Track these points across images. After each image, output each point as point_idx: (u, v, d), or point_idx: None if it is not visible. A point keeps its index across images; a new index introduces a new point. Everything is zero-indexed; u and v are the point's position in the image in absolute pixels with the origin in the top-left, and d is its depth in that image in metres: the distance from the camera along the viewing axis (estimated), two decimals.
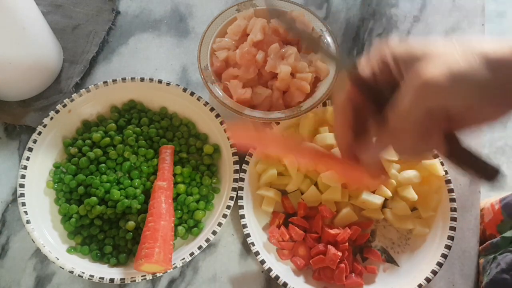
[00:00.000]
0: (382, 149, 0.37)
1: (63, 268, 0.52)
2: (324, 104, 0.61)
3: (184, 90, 0.61)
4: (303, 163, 0.38)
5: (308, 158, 0.37)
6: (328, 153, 0.38)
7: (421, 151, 0.36)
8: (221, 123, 0.60)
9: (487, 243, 0.61)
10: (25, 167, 0.56)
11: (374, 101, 0.38)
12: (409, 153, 0.37)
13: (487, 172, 0.36)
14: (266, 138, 0.37)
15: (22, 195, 0.55)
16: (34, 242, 0.53)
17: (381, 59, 0.36)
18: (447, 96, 0.32)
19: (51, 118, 0.59)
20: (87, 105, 0.62)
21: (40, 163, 0.58)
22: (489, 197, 0.71)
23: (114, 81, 0.61)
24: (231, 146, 0.59)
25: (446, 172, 0.58)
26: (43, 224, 0.56)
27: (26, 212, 0.54)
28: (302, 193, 0.59)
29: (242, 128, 0.37)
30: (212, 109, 0.61)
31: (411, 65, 0.34)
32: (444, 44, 0.34)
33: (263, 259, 0.54)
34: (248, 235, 0.56)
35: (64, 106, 0.60)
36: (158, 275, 0.53)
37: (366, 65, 0.37)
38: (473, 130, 0.35)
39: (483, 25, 0.72)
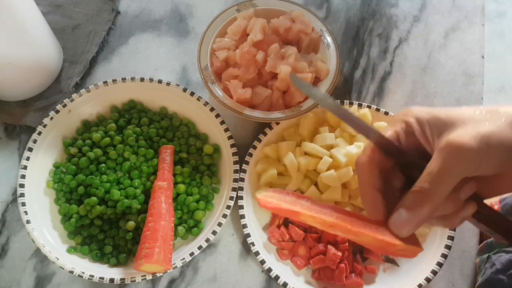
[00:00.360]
0: (416, 221, 0.34)
1: (63, 268, 0.52)
2: None
3: (184, 90, 0.61)
4: (334, 229, 0.36)
5: (341, 225, 0.35)
6: (360, 215, 0.36)
7: (450, 216, 0.36)
8: (221, 123, 0.60)
9: (483, 243, 0.61)
10: (25, 167, 0.56)
11: (398, 162, 0.38)
12: (438, 218, 0.36)
13: None
14: (297, 207, 0.36)
15: (22, 195, 0.55)
16: (34, 242, 0.53)
17: (405, 124, 0.36)
18: (480, 160, 0.32)
19: (51, 118, 0.59)
20: (87, 105, 0.62)
21: (40, 163, 0.58)
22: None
23: (114, 81, 0.61)
24: (231, 146, 0.59)
25: None
26: (43, 224, 0.56)
27: (26, 212, 0.54)
28: (302, 193, 0.59)
29: (274, 196, 0.36)
30: (212, 109, 0.61)
31: (439, 132, 0.34)
32: (470, 110, 0.34)
33: (263, 259, 0.54)
34: (248, 235, 0.56)
35: (64, 106, 0.60)
36: (158, 275, 0.53)
37: (389, 128, 0.37)
38: (504, 192, 0.36)
39: (483, 25, 0.72)
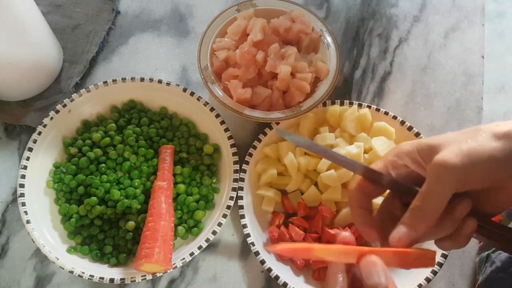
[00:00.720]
0: (413, 236, 0.37)
1: (63, 268, 0.52)
2: (324, 104, 0.61)
3: (184, 90, 0.61)
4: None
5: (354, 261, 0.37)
6: (370, 249, 0.37)
7: (454, 235, 0.38)
8: (221, 123, 0.60)
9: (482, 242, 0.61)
10: (25, 167, 0.56)
11: (394, 193, 0.42)
12: (436, 234, 0.38)
13: None
14: (313, 251, 0.37)
15: (22, 195, 0.55)
16: (34, 242, 0.53)
17: (397, 157, 0.40)
18: (465, 175, 0.35)
19: (51, 118, 0.59)
20: (87, 105, 0.62)
21: (40, 163, 0.58)
22: None
23: (114, 81, 0.61)
24: (231, 146, 0.59)
25: None
26: (43, 224, 0.56)
27: (26, 212, 0.54)
28: (302, 193, 0.59)
29: (289, 245, 0.38)
30: (212, 109, 0.61)
31: (430, 157, 0.37)
32: (454, 133, 0.38)
33: (263, 259, 0.54)
34: (248, 235, 0.56)
35: (64, 106, 0.60)
36: (158, 275, 0.53)
37: (379, 162, 0.41)
38: (505, 207, 0.38)
39: (483, 25, 0.72)
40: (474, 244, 0.59)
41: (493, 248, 0.58)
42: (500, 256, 0.56)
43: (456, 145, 0.36)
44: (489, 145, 0.35)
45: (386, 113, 0.61)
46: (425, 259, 0.37)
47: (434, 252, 0.38)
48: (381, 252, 0.36)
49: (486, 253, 0.58)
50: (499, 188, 0.37)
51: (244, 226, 0.56)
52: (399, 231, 0.36)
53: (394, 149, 0.41)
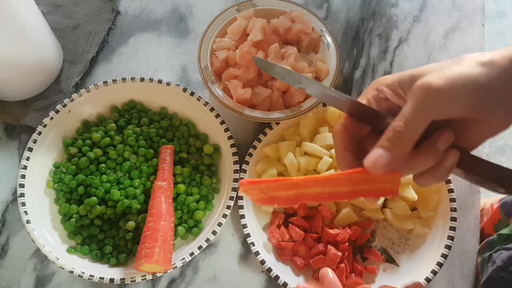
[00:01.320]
0: (389, 158, 0.35)
1: (63, 268, 0.52)
2: (324, 104, 0.61)
3: (184, 90, 0.61)
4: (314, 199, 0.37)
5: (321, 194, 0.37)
6: (335, 175, 0.37)
7: (435, 168, 0.36)
8: (221, 123, 0.60)
9: (484, 241, 0.61)
10: (25, 167, 0.56)
11: (374, 129, 0.40)
12: (417, 168, 0.36)
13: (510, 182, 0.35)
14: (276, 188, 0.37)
15: (22, 195, 0.55)
16: (34, 242, 0.53)
17: (377, 91, 0.39)
18: (448, 99, 0.33)
19: (51, 118, 0.59)
20: (87, 105, 0.62)
21: (40, 163, 0.58)
22: (489, 197, 0.71)
23: (114, 81, 0.61)
24: (231, 146, 0.59)
25: None
26: (43, 224, 0.56)
27: (26, 212, 0.54)
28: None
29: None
30: (212, 109, 0.61)
31: (410, 86, 0.35)
32: (437, 63, 0.36)
33: (263, 259, 0.54)
34: (248, 235, 0.56)
35: (64, 106, 0.60)
36: (158, 275, 0.53)
37: (361, 98, 0.39)
38: (484, 140, 0.36)
39: (483, 25, 0.72)
40: (474, 244, 0.59)
41: (495, 248, 0.58)
42: (501, 256, 0.56)
43: (440, 70, 0.35)
44: (474, 70, 0.34)
45: None
46: (391, 185, 0.36)
47: (399, 176, 0.36)
48: (345, 175, 0.36)
49: (488, 253, 0.58)
50: (478, 121, 0.35)
51: (244, 226, 0.56)
52: (375, 153, 0.35)
53: (374, 83, 0.39)
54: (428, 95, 0.33)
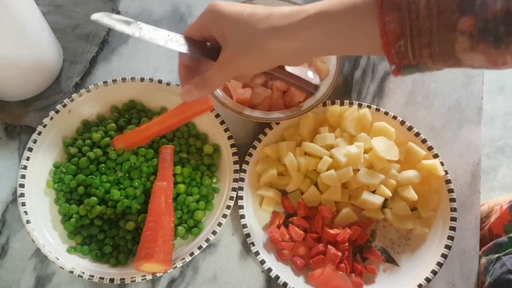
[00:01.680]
0: (197, 94, 0.46)
1: (63, 268, 0.52)
2: (324, 104, 0.61)
3: None
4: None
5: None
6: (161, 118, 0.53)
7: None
8: (221, 123, 0.60)
9: (491, 243, 0.61)
10: (25, 167, 0.56)
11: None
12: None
13: (310, 87, 0.51)
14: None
15: (22, 195, 0.55)
16: (34, 242, 0.53)
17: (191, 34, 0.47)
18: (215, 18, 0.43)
19: (51, 118, 0.59)
20: (87, 105, 0.62)
21: (40, 163, 0.58)
22: (489, 197, 0.71)
23: (114, 81, 0.61)
24: (231, 146, 0.59)
25: (446, 172, 0.58)
26: (43, 224, 0.56)
27: (26, 212, 0.54)
28: (302, 193, 0.59)
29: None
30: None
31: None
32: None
33: (263, 259, 0.54)
34: (248, 235, 0.56)
35: (64, 106, 0.60)
36: (158, 275, 0.53)
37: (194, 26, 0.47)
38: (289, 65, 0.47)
39: None
40: (474, 244, 0.59)
41: (504, 251, 0.58)
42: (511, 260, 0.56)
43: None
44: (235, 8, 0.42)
45: (386, 113, 0.61)
46: (204, 105, 0.50)
47: (208, 99, 0.50)
48: (172, 111, 0.52)
49: (496, 255, 0.58)
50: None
51: (244, 226, 0.56)
52: (186, 89, 0.46)
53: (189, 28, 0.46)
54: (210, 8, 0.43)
